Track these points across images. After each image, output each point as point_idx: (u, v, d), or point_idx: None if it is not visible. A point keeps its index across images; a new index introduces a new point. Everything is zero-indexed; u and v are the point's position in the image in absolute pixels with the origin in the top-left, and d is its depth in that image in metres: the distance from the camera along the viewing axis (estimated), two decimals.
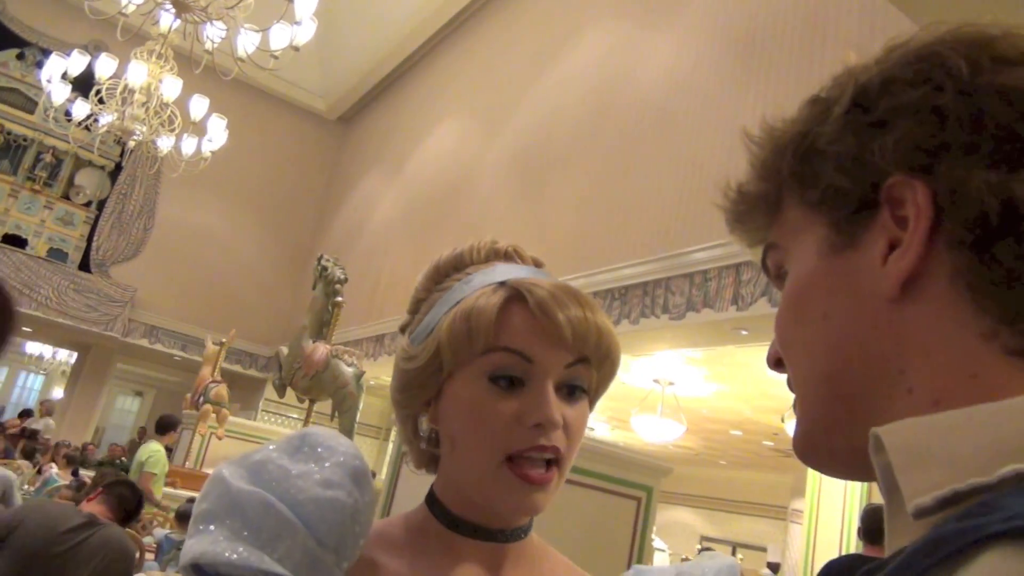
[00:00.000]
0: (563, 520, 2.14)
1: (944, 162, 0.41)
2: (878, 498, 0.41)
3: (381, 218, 11.44)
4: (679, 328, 5.42)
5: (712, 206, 0.57)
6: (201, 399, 6.88)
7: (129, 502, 3.23)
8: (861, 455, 0.40)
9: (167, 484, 6.28)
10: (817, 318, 0.47)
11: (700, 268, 5.23)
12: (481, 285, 0.75)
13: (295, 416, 11.36)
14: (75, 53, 7.63)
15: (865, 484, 4.74)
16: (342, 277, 5.64)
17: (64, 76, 7.53)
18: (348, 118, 14.70)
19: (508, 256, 0.80)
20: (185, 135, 7.89)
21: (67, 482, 6.73)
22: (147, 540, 4.78)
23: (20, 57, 12.35)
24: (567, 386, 0.73)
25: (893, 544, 0.38)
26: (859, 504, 5.24)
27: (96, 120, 7.59)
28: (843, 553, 5.26)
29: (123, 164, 12.47)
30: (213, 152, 8.08)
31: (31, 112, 12.12)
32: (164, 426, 6.51)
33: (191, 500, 5.54)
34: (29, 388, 18.23)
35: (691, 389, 8.21)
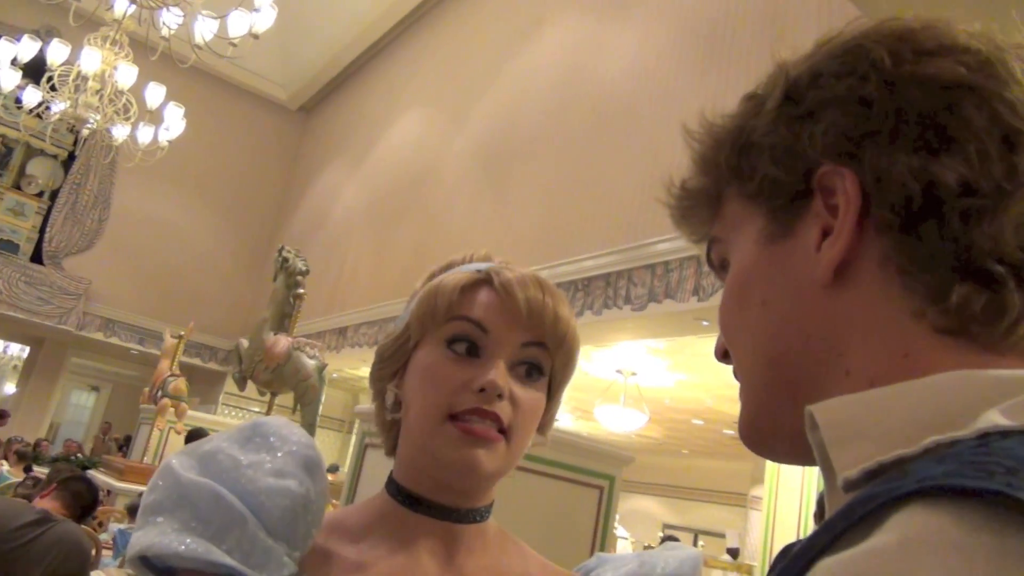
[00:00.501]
0: (525, 509, 2.15)
1: (869, 150, 0.43)
2: None
3: (343, 209, 11.33)
4: (641, 319, 5.47)
5: (659, 204, 0.58)
6: (159, 393, 6.75)
7: (84, 498, 3.17)
8: (804, 438, 0.42)
9: (121, 480, 6.17)
10: (757, 306, 0.48)
11: (662, 259, 5.28)
12: (460, 271, 0.78)
13: (256, 409, 11.23)
14: (25, 38, 7.41)
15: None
16: (303, 268, 5.57)
17: (14, 62, 7.32)
18: (310, 108, 14.51)
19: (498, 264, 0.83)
20: (141, 124, 7.72)
21: (19, 479, 6.57)
22: (104, 536, 4.69)
23: None
24: (524, 365, 0.74)
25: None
26: (816, 490, 5.35)
27: (48, 108, 7.38)
28: (801, 537, 5.37)
29: (76, 153, 12.15)
30: (170, 141, 7.92)
31: None
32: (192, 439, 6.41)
33: (143, 494, 5.46)
34: None
35: (654, 379, 8.30)
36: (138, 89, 7.32)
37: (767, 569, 0.40)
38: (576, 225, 6.27)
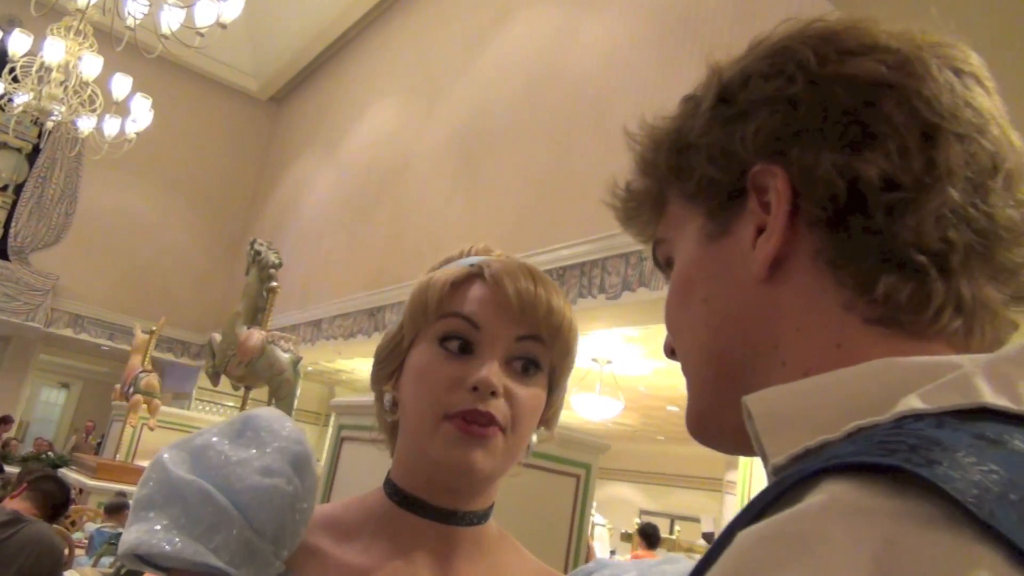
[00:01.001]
0: (503, 500, 2.15)
1: (797, 148, 0.44)
2: None
3: (316, 201, 11.24)
4: (616, 308, 5.49)
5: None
6: (131, 389, 6.67)
7: (56, 497, 3.13)
8: (746, 430, 0.43)
9: (94, 478, 6.10)
10: (699, 303, 0.49)
11: (635, 248, 5.30)
12: (452, 265, 0.78)
13: (230, 404, 11.13)
14: None
15: None
16: (276, 261, 5.52)
17: None
18: (280, 98, 14.33)
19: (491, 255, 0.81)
20: (107, 116, 7.58)
21: None
22: (77, 536, 4.63)
23: None
24: (520, 360, 0.73)
25: None
26: None
27: (10, 100, 7.22)
28: None
29: (41, 146, 11.87)
30: (138, 133, 7.79)
31: None
32: None
33: (121, 494, 5.40)
34: None
35: (629, 367, 8.35)
36: (104, 80, 7.19)
37: None
38: (550, 214, 6.28)
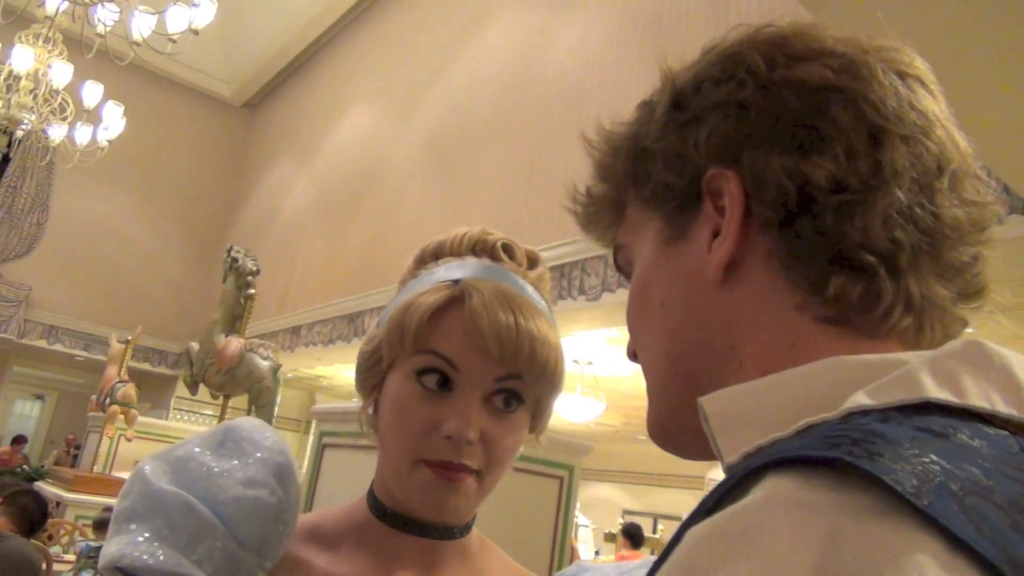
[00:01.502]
0: (487, 503, 2.15)
1: (749, 152, 0.45)
2: None
3: (293, 206, 11.16)
4: (595, 309, 5.51)
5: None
6: (107, 400, 6.58)
7: (33, 512, 3.08)
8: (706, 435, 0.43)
9: (71, 490, 6.01)
10: (658, 306, 0.50)
11: None
12: (439, 280, 0.73)
13: (209, 413, 11.02)
14: None
15: None
16: (253, 268, 5.48)
17: None
18: (255, 104, 14.23)
19: (491, 250, 0.76)
20: (79, 123, 7.49)
21: None
22: (54, 550, 4.56)
23: None
24: (502, 394, 0.71)
25: None
26: None
27: None
28: None
29: (11, 155, 11.70)
30: (110, 141, 7.70)
31: None
32: None
33: (108, 509, 5.32)
34: None
35: (611, 368, 8.38)
36: (74, 88, 7.10)
37: None
38: (528, 216, 6.28)
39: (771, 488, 0.32)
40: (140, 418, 6.69)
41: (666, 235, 0.50)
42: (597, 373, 8.48)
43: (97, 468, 6.69)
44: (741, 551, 0.29)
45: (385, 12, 10.36)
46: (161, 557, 0.63)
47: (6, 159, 11.94)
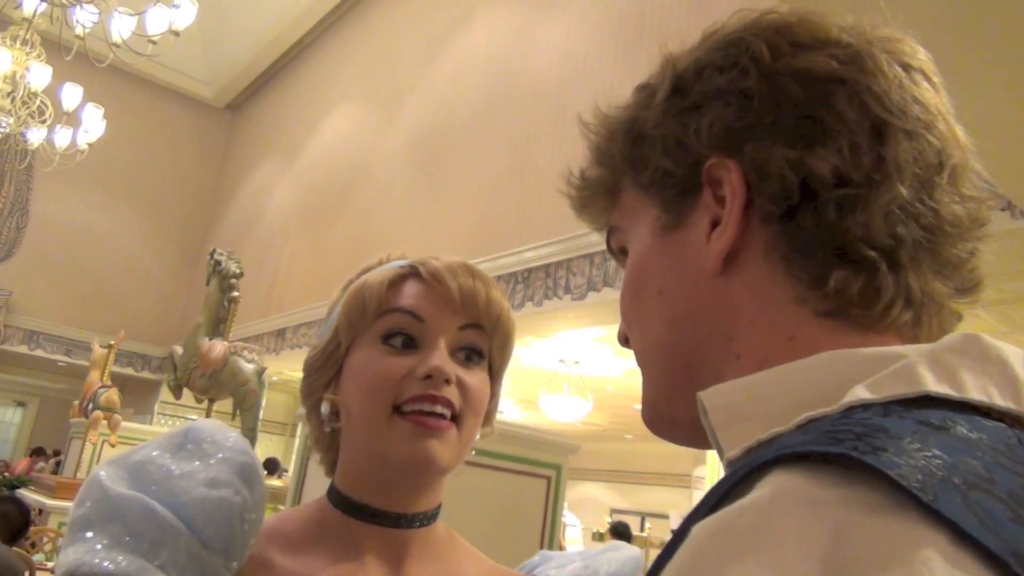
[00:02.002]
0: (474, 503, 2.15)
1: (751, 142, 0.44)
2: None
3: (276, 208, 11.11)
4: (581, 308, 5.52)
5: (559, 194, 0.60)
6: (90, 406, 6.51)
7: (15, 520, 3.05)
8: (700, 423, 0.43)
9: (53, 497, 5.95)
10: (654, 295, 0.49)
11: (599, 248, 5.33)
12: (380, 269, 0.77)
13: (194, 417, 10.92)
14: None
15: None
16: (237, 271, 5.45)
17: None
18: (237, 105, 14.14)
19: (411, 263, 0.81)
20: (58, 126, 7.41)
21: None
22: (37, 558, 4.51)
23: None
24: (463, 350, 0.74)
25: None
26: None
27: None
28: None
29: None
30: (90, 144, 7.63)
31: None
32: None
33: None
34: None
35: (598, 367, 8.39)
36: (53, 90, 7.03)
37: None
38: (513, 217, 6.28)
39: (777, 484, 0.32)
40: (124, 423, 6.62)
41: (663, 222, 0.49)
42: (584, 373, 8.49)
43: (80, 474, 6.61)
44: (750, 548, 0.29)
45: (368, 13, 10.33)
46: (123, 562, 0.61)
47: None
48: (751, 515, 0.31)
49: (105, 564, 0.61)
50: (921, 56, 0.47)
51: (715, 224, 0.46)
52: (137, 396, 12.37)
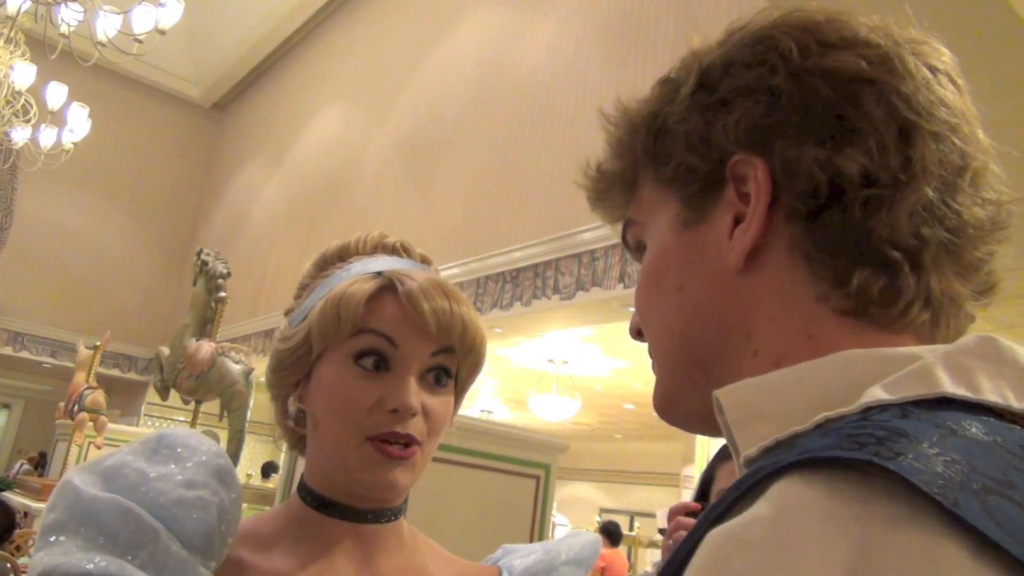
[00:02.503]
0: (463, 503, 2.15)
1: (779, 140, 0.44)
2: None
3: (264, 208, 11.06)
4: (570, 308, 5.52)
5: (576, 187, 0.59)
6: (76, 407, 6.46)
7: (0, 523, 3.02)
8: (713, 415, 0.44)
9: (39, 500, 5.91)
10: (672, 289, 0.50)
11: (588, 248, 5.34)
12: (358, 273, 0.76)
13: (181, 419, 10.88)
14: None
15: None
16: (224, 271, 5.42)
17: None
18: (224, 105, 14.07)
19: (394, 250, 0.82)
20: (43, 126, 7.35)
21: None
22: (22, 561, 4.47)
23: None
24: (433, 371, 0.75)
25: None
26: None
27: None
28: None
29: None
30: (75, 143, 7.57)
31: None
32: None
33: None
34: None
35: (586, 367, 8.40)
36: (38, 89, 6.97)
37: None
38: (502, 216, 6.28)
39: (798, 494, 0.31)
40: (110, 425, 6.58)
41: (684, 218, 0.49)
42: (572, 372, 8.50)
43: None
44: (773, 564, 0.29)
45: (356, 13, 10.30)
46: (101, 563, 0.60)
47: None
48: (770, 528, 0.31)
49: (84, 564, 0.60)
50: (946, 58, 0.47)
51: (738, 221, 0.46)
52: (123, 398, 12.28)
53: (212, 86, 13.61)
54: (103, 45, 5.62)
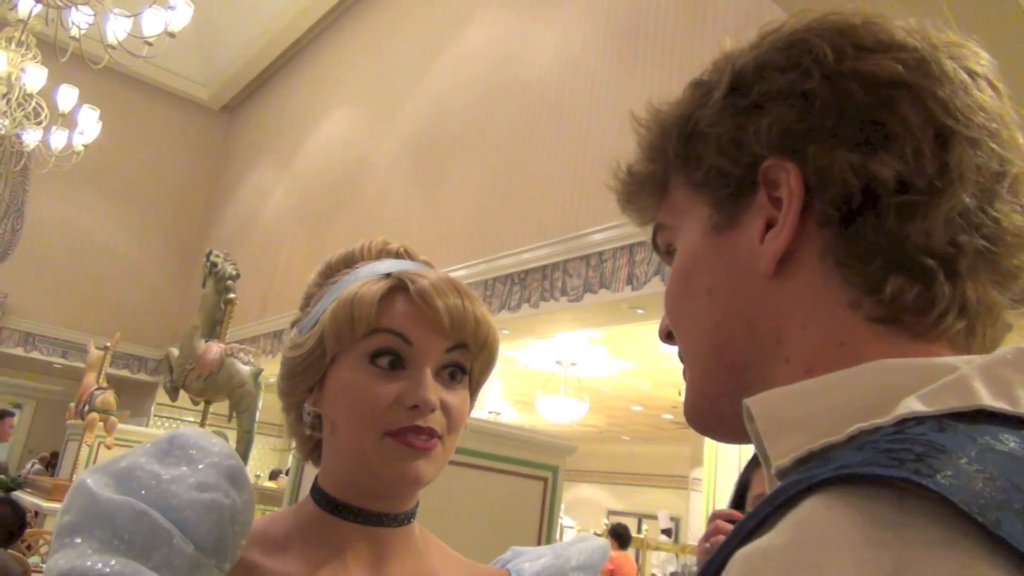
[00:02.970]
0: (471, 505, 2.15)
1: (812, 145, 0.44)
2: None
3: (273, 210, 11.10)
4: (578, 310, 5.52)
5: (605, 188, 0.59)
6: (86, 408, 6.49)
7: (10, 522, 3.04)
8: (743, 422, 0.43)
9: (49, 500, 5.94)
10: (702, 294, 0.49)
11: (596, 250, 5.33)
12: (367, 276, 0.76)
13: (190, 420, 10.92)
14: None
15: None
16: (233, 273, 5.44)
17: None
18: (233, 107, 14.13)
19: (398, 255, 0.82)
20: (54, 128, 7.40)
21: None
22: (33, 560, 4.50)
23: None
24: (448, 368, 0.75)
25: None
26: None
27: None
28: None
29: None
30: (86, 146, 7.62)
31: None
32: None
33: None
34: None
35: (593, 369, 8.39)
36: (49, 92, 7.01)
37: None
38: (510, 218, 6.28)
39: (833, 515, 0.31)
40: (120, 425, 6.60)
41: (715, 221, 0.48)
42: (580, 374, 8.49)
43: (76, 477, 6.59)
44: None
45: (364, 15, 10.33)
46: (116, 565, 0.61)
47: None
48: (810, 552, 0.30)
49: (99, 567, 0.60)
50: (985, 62, 0.46)
51: (769, 225, 0.45)
52: (133, 398, 12.34)
53: (222, 88, 13.67)
54: (113, 48, 5.65)
